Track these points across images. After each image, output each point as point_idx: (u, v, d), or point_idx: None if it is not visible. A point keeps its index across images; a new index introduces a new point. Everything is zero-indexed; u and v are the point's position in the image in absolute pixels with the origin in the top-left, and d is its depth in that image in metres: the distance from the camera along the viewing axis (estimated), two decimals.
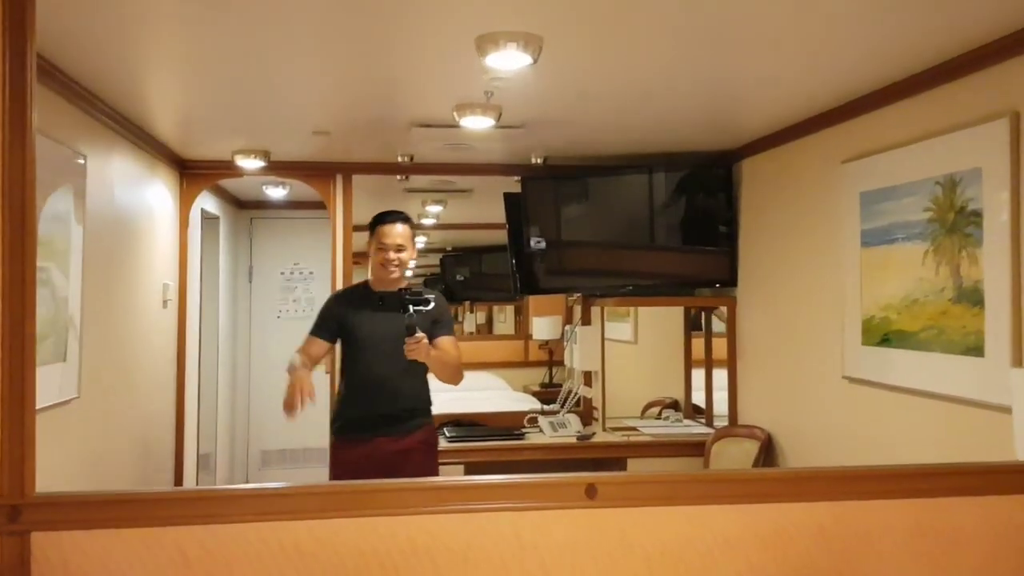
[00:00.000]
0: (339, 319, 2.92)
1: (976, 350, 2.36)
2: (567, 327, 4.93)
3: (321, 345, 2.93)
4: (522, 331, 7.24)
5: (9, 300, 1.55)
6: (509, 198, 4.26)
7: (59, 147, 2.67)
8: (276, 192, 4.93)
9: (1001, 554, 1.74)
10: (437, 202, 5.33)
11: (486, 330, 8.13)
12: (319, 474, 5.12)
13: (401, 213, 2.94)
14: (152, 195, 3.80)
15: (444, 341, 2.82)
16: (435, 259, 8.01)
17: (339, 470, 2.95)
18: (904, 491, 1.70)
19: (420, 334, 2.67)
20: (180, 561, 1.59)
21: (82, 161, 2.88)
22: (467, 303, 7.98)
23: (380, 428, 2.83)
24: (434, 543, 1.64)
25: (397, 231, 2.86)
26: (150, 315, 3.86)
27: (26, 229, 1.56)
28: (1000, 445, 2.17)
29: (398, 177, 4.39)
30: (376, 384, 2.86)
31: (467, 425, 4.22)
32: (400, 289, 2.85)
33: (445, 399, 3.45)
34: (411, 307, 2.72)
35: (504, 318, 8.28)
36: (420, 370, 2.83)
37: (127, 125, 3.23)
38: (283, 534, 1.61)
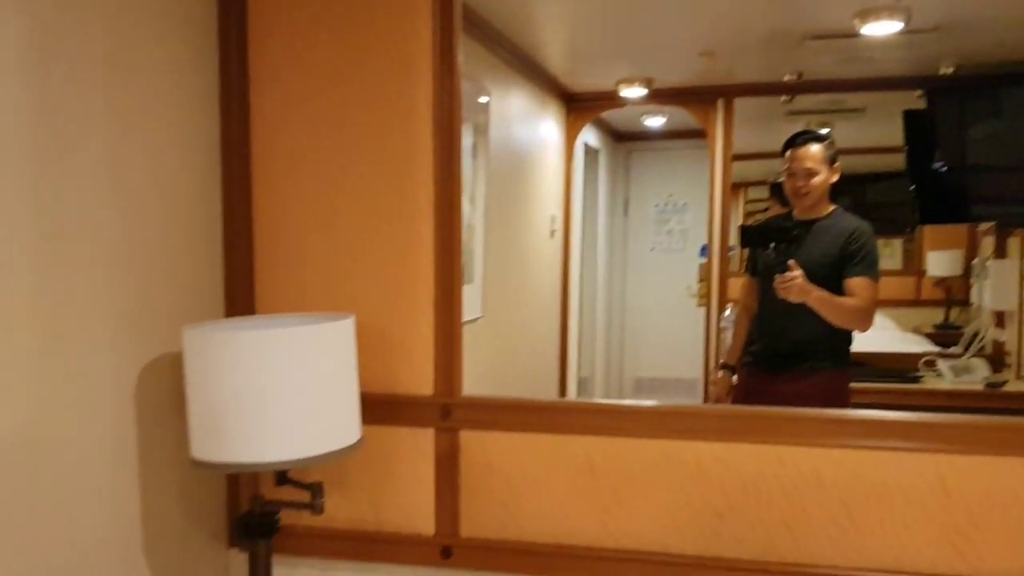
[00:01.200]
0: (756, 251, 2.80)
1: None
2: (974, 262, 4.37)
3: (752, 282, 2.83)
4: (913, 266, 6.59)
5: (440, 225, 1.72)
6: (910, 116, 3.83)
7: (469, 86, 2.90)
8: (654, 122, 4.94)
9: None
10: (822, 125, 4.99)
11: None
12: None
13: (814, 132, 2.71)
14: (542, 129, 4.01)
15: (854, 283, 2.50)
16: None
17: (738, 401, 2.88)
18: None
19: (793, 273, 2.43)
20: (587, 468, 1.67)
21: (486, 98, 3.10)
22: None
23: (774, 366, 2.71)
24: (843, 478, 1.55)
25: (808, 153, 2.61)
26: (539, 244, 4.11)
27: (453, 165, 1.71)
28: None
29: (781, 99, 4.15)
30: (770, 319, 2.71)
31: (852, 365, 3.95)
32: (771, 219, 2.65)
33: None
34: (772, 244, 2.53)
35: (891, 252, 7.60)
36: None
37: (524, 60, 3.42)
38: (685, 452, 1.62)
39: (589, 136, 4.97)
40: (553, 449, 1.68)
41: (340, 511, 1.78)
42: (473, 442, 1.73)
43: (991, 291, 3.85)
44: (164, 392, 1.63)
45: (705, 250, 4.56)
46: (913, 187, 3.88)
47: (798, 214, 2.66)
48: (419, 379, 1.75)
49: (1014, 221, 3.77)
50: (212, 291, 1.78)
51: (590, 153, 5.14)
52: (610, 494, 1.65)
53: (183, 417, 1.66)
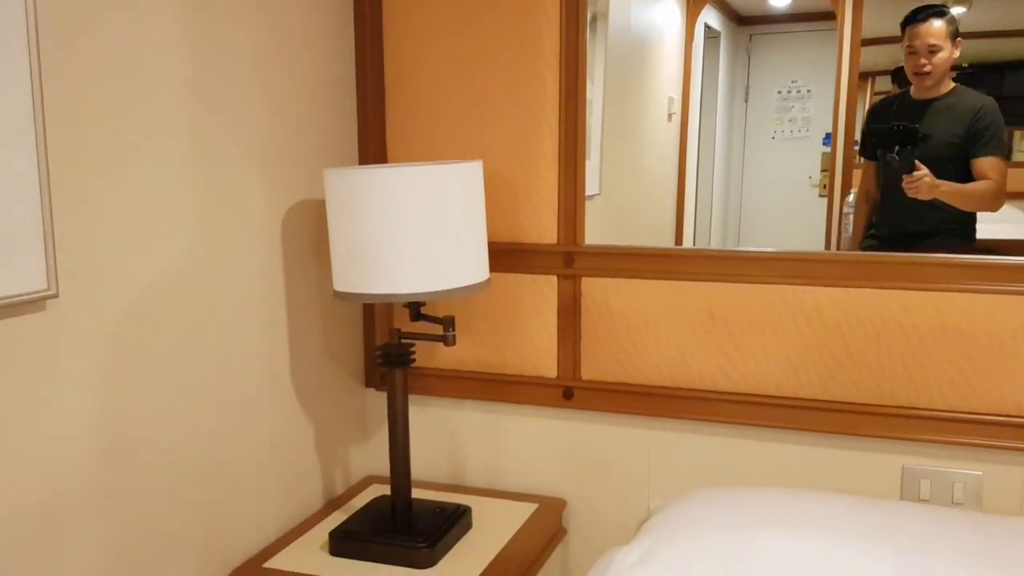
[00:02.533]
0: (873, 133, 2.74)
1: None
2: None
3: (871, 166, 2.78)
4: None
5: (564, 74, 1.77)
6: None
7: None
8: (780, 2, 4.74)
9: None
10: (961, 3, 4.67)
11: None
12: None
13: (936, 7, 2.58)
14: (662, 8, 3.92)
15: (984, 163, 2.38)
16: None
17: None
18: None
19: (919, 172, 2.38)
20: (705, 313, 1.72)
21: None
22: None
23: (900, 245, 2.66)
24: (966, 322, 1.55)
25: (930, 29, 2.49)
26: (656, 127, 4.07)
27: (579, 14, 1.74)
28: None
29: None
30: (895, 203, 2.66)
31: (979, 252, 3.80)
32: (895, 125, 2.57)
33: None
34: (897, 147, 2.47)
35: None
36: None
37: None
38: (804, 296, 1.65)
39: (710, 16, 4.83)
40: (673, 295, 1.73)
41: (468, 354, 1.90)
42: (595, 289, 1.80)
43: None
44: (305, 233, 1.76)
45: (829, 139, 4.42)
46: None
47: (917, 94, 2.57)
48: (543, 228, 1.82)
49: None
50: (347, 141, 1.88)
51: (711, 35, 5.00)
52: (728, 339, 1.70)
53: (320, 258, 1.80)
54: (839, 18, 4.17)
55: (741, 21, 5.83)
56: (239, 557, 1.63)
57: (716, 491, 1.60)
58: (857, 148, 2.84)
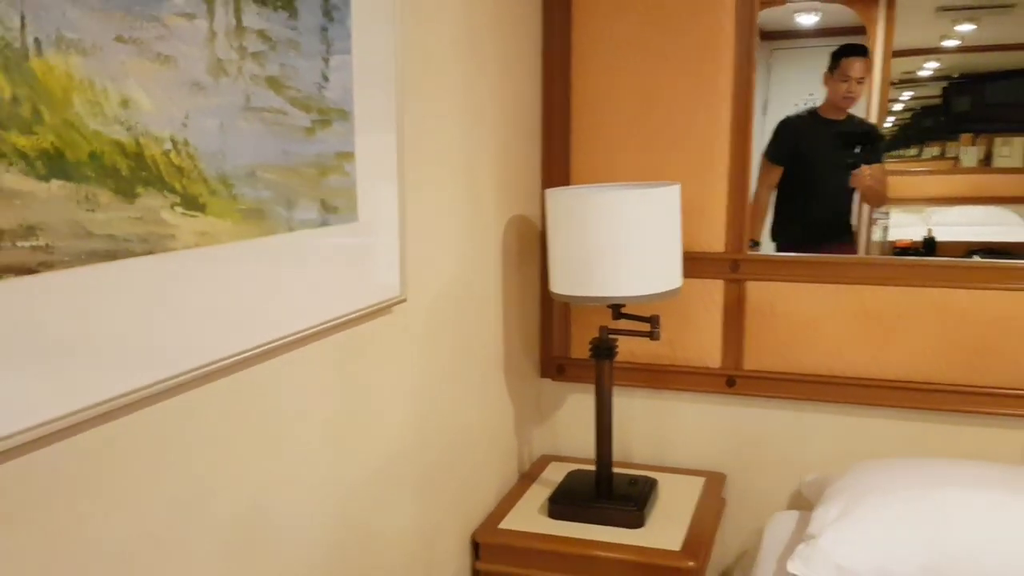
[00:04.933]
0: (792, 143, 3.12)
1: None
2: None
3: (777, 171, 3.16)
4: None
5: (736, 102, 2.05)
6: None
7: None
8: (807, 20, 5.06)
9: None
10: (970, 20, 5.03)
11: (983, 164, 7.60)
12: None
13: (861, 46, 3.04)
14: None
15: (876, 168, 2.88)
16: (937, 89, 7.50)
17: None
18: None
19: (866, 167, 2.81)
20: (860, 311, 2.02)
21: None
22: (969, 136, 7.46)
23: (826, 238, 3.06)
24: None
25: (862, 64, 2.97)
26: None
27: (750, 50, 2.02)
28: None
29: None
30: (820, 204, 3.07)
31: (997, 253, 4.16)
32: (854, 122, 2.98)
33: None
34: (858, 145, 2.88)
35: (1008, 151, 7.59)
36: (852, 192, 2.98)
37: None
38: (948, 299, 1.95)
39: None
40: (832, 296, 2.03)
41: (641, 348, 2.17)
42: (758, 291, 2.09)
43: None
44: (510, 242, 2.03)
45: None
46: None
47: (829, 114, 3.00)
48: (712, 238, 2.11)
49: None
50: (533, 163, 2.15)
51: None
52: (882, 334, 2.00)
53: (519, 263, 2.06)
54: (871, 32, 4.50)
55: (764, 36, 6.15)
56: (476, 520, 1.89)
57: (882, 461, 1.90)
58: (765, 155, 3.24)
